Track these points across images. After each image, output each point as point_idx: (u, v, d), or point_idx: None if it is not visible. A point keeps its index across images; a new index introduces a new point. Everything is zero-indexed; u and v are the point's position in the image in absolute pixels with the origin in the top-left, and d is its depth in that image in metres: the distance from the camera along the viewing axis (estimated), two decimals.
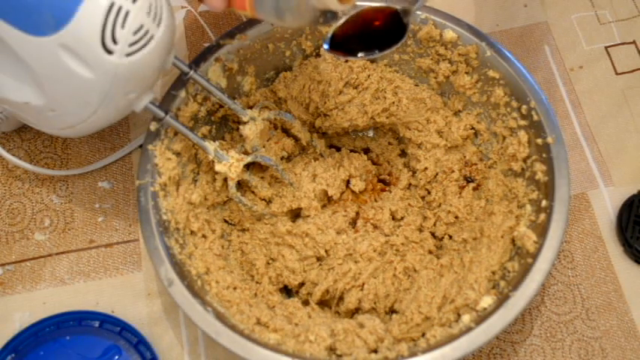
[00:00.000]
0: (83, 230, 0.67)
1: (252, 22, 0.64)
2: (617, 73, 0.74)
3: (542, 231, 0.56)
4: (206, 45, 0.66)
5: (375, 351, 0.55)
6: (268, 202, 0.65)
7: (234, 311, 0.57)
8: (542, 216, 0.57)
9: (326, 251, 0.62)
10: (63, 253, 0.66)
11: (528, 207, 0.59)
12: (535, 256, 0.56)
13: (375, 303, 0.61)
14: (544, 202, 0.58)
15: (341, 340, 0.55)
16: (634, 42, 0.75)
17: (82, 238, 0.67)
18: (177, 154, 0.61)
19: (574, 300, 0.64)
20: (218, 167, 0.60)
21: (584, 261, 0.65)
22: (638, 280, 0.65)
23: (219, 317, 0.55)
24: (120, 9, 0.49)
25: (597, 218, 0.67)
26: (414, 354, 0.53)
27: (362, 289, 0.61)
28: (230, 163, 0.60)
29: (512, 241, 0.59)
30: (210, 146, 0.59)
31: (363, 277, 0.60)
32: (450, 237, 0.64)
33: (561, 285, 0.64)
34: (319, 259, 0.62)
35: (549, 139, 0.59)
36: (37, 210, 0.68)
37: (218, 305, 0.56)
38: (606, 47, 0.75)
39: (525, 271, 0.55)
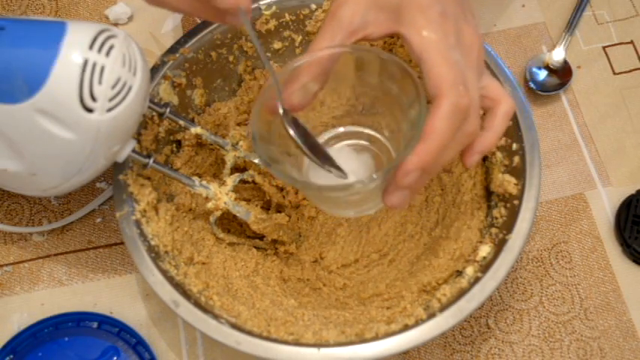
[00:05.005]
0: (81, 231, 0.67)
1: (192, 34, 0.64)
2: (614, 73, 0.74)
3: (520, 172, 0.58)
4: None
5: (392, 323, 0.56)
6: (257, 236, 0.65)
7: (245, 318, 0.57)
8: (517, 159, 0.59)
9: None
10: (61, 254, 0.66)
11: (498, 154, 0.61)
12: (520, 197, 0.58)
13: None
14: (515, 146, 0.59)
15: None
16: (632, 42, 0.75)
17: (80, 239, 0.67)
18: (148, 178, 0.60)
19: (572, 300, 0.64)
20: (210, 205, 0.59)
21: (582, 261, 0.65)
22: (636, 280, 0.65)
23: (235, 326, 0.55)
24: (95, 65, 0.47)
25: (595, 218, 0.67)
26: (432, 315, 0.54)
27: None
28: (215, 194, 0.59)
29: (487, 189, 0.61)
30: (196, 180, 0.58)
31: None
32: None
33: (559, 285, 0.64)
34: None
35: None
36: (35, 211, 0.68)
37: (227, 316, 0.56)
38: (604, 47, 0.75)
39: (514, 213, 0.57)
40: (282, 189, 0.65)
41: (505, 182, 0.59)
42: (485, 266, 0.56)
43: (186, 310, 0.55)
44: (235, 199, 0.60)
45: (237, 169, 0.63)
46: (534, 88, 0.72)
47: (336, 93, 0.54)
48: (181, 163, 0.64)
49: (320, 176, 0.52)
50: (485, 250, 0.57)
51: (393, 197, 0.48)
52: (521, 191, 0.58)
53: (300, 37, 0.67)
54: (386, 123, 0.54)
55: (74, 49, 0.47)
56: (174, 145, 0.64)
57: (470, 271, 0.56)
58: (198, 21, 0.67)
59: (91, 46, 0.48)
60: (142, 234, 0.58)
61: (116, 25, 0.75)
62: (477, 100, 0.48)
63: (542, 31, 0.75)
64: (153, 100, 0.59)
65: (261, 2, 0.65)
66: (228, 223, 0.64)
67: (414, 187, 0.47)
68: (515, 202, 0.58)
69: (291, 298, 0.60)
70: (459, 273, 0.58)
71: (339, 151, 0.55)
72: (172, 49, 0.64)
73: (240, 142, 0.62)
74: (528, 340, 0.63)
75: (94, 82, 0.48)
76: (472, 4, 0.52)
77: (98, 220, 0.67)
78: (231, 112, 0.66)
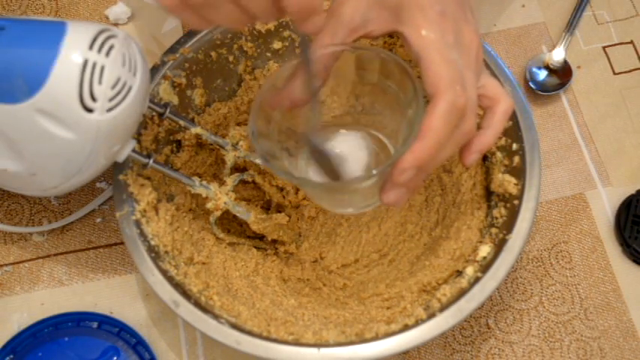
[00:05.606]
0: (81, 231, 0.67)
1: (192, 34, 0.64)
2: (614, 73, 0.74)
3: (520, 172, 0.59)
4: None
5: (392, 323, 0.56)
6: (257, 236, 0.64)
7: (245, 318, 0.57)
8: (517, 159, 0.59)
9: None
10: (61, 254, 0.66)
11: (498, 154, 0.61)
12: (520, 197, 0.58)
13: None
14: (515, 146, 0.59)
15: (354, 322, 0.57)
16: (632, 42, 0.75)
17: (80, 239, 0.67)
18: (148, 178, 0.60)
19: (572, 300, 0.64)
20: (210, 205, 0.59)
21: (582, 261, 0.65)
22: (636, 279, 0.65)
23: (235, 326, 0.55)
24: (95, 65, 0.47)
25: (595, 218, 0.67)
26: (432, 315, 0.54)
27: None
28: (215, 194, 0.59)
29: (487, 189, 0.61)
30: (196, 180, 0.58)
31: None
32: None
33: (559, 285, 0.64)
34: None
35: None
36: (35, 211, 0.68)
37: (227, 316, 0.56)
38: (604, 47, 0.75)
39: (514, 213, 0.57)
40: (282, 189, 0.65)
41: (505, 182, 0.59)
42: (485, 266, 0.56)
43: (186, 310, 0.55)
44: (235, 199, 0.60)
45: (237, 169, 0.63)
46: (534, 88, 0.72)
47: (336, 92, 0.54)
48: (181, 163, 0.64)
49: (318, 173, 0.53)
50: (485, 250, 0.57)
51: (389, 195, 0.48)
52: (521, 191, 0.58)
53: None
54: (385, 122, 0.54)
55: (74, 49, 0.47)
56: (174, 145, 0.64)
57: (470, 271, 0.56)
58: None
59: (90, 46, 0.48)
60: (142, 234, 0.58)
61: (116, 25, 0.75)
62: (475, 99, 0.48)
63: (542, 31, 0.75)
64: (153, 100, 0.59)
65: None
66: (228, 223, 0.64)
67: (411, 185, 0.48)
68: (515, 202, 0.58)
69: (291, 298, 0.61)
70: (459, 273, 0.58)
71: (341, 143, 0.55)
72: (172, 49, 0.64)
73: (240, 142, 0.62)
74: (528, 340, 0.63)
75: (94, 82, 0.48)
76: (472, 4, 0.52)
77: (98, 220, 0.67)
78: (231, 112, 0.67)
